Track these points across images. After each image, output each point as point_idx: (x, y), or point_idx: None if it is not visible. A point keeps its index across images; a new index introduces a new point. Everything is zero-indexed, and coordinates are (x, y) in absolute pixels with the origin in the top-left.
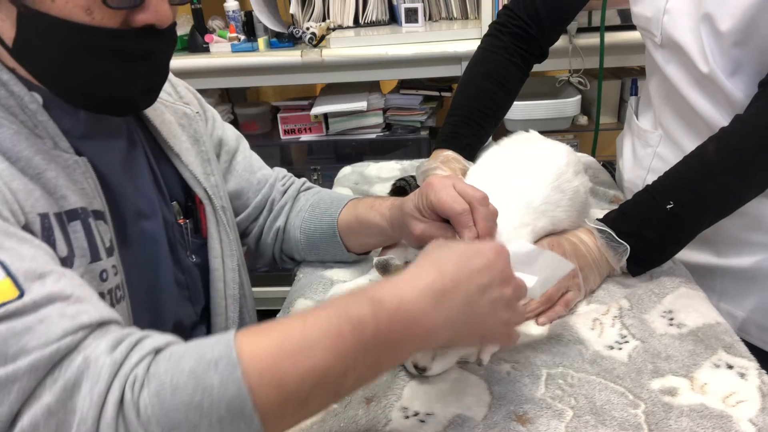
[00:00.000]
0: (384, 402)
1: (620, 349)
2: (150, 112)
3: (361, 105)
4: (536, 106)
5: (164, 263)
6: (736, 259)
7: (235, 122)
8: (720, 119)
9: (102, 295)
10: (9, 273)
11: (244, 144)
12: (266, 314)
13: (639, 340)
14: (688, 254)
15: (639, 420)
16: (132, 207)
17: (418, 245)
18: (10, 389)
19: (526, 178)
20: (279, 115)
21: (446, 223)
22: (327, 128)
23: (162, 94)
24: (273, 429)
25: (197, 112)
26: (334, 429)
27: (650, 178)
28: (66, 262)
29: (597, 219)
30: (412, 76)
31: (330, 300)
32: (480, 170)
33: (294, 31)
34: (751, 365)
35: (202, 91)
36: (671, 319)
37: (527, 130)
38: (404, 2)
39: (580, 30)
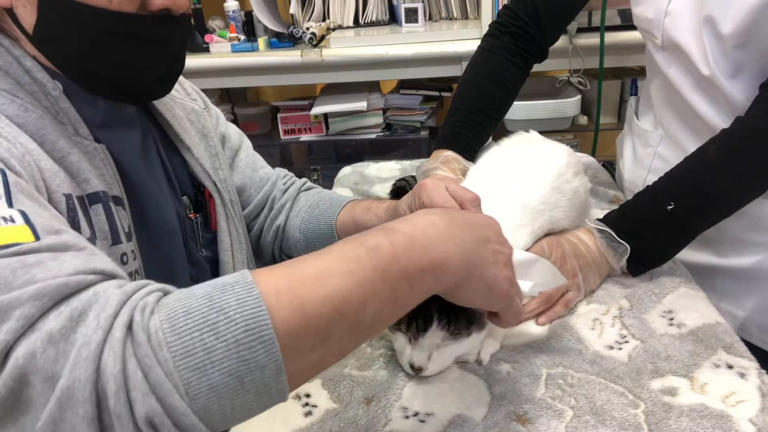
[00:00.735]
0: (384, 402)
1: (620, 349)
2: (161, 106)
3: (361, 105)
4: (536, 106)
5: (179, 255)
6: (737, 259)
7: (235, 122)
8: (720, 121)
9: None
10: (28, 221)
11: (247, 143)
12: None
13: (639, 340)
14: (689, 254)
15: (639, 420)
16: (149, 197)
17: None
18: (10, 315)
19: (526, 179)
20: (279, 115)
21: None
22: (327, 128)
23: (172, 91)
24: (293, 363)
25: (204, 108)
26: (334, 429)
27: (651, 178)
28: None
29: (597, 219)
30: (412, 76)
31: (339, 245)
32: (480, 170)
33: (294, 31)
34: (751, 365)
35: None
36: (671, 319)
37: (527, 130)
38: (404, 2)
39: (580, 30)
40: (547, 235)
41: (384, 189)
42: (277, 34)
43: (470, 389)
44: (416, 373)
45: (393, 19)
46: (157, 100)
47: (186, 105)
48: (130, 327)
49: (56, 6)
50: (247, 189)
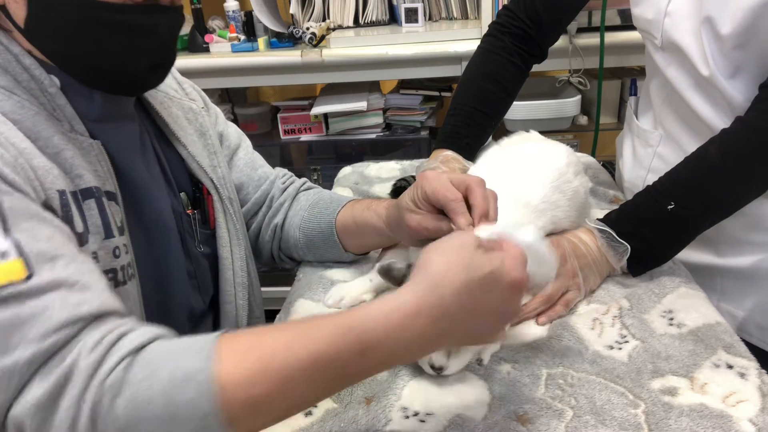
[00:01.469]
0: (384, 402)
1: (620, 349)
2: (158, 104)
3: (361, 105)
4: (536, 106)
5: (174, 251)
6: (737, 259)
7: (235, 122)
8: (720, 121)
9: (114, 271)
10: (22, 253)
11: (247, 142)
12: (266, 314)
13: (639, 340)
14: (689, 254)
15: (639, 420)
16: (144, 191)
17: (415, 240)
18: (10, 383)
19: (527, 179)
20: (279, 115)
21: (441, 214)
22: (327, 128)
23: (169, 90)
24: None
25: (202, 107)
26: (334, 429)
27: (650, 178)
28: (82, 237)
29: (597, 219)
30: (412, 76)
31: (322, 321)
32: (480, 170)
33: (294, 31)
34: (751, 365)
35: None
36: (671, 319)
37: (527, 130)
38: (404, 2)
39: (580, 30)
40: (548, 235)
41: (384, 189)
42: (277, 34)
43: (470, 389)
44: (437, 372)
45: (393, 19)
46: (155, 99)
47: (184, 104)
48: (96, 412)
49: None
50: (245, 187)
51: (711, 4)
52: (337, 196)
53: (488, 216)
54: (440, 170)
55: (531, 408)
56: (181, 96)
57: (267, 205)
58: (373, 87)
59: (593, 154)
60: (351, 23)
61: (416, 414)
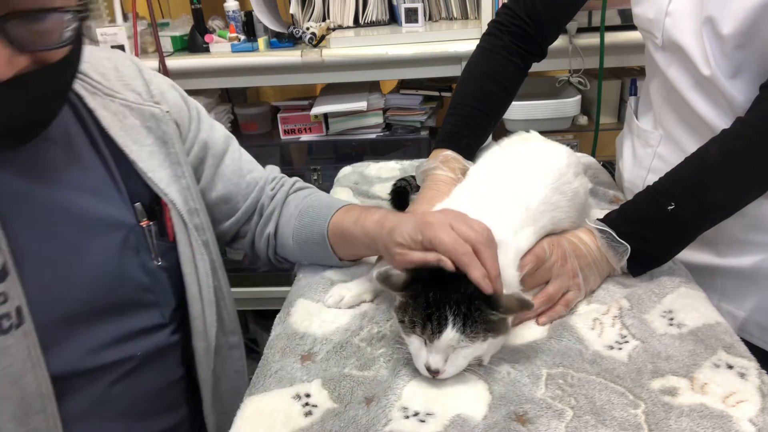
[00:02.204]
0: (384, 402)
1: (620, 349)
2: (108, 118)
3: (361, 105)
4: (536, 106)
5: (123, 264)
6: (737, 259)
7: (235, 122)
8: (720, 121)
9: None
10: None
11: (234, 145)
12: (266, 314)
13: (639, 340)
14: (689, 254)
15: (639, 420)
16: (59, 215)
17: (397, 267)
18: None
19: (527, 180)
20: (279, 115)
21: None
22: (327, 128)
23: (129, 95)
24: None
25: (168, 111)
26: (334, 429)
27: (650, 179)
28: None
29: (597, 219)
30: (412, 76)
31: None
32: (480, 170)
33: (294, 31)
34: (751, 365)
35: (202, 91)
36: (671, 319)
37: (527, 130)
38: (404, 2)
39: (580, 30)
40: (548, 235)
41: (384, 189)
42: (277, 34)
43: (470, 389)
44: (433, 376)
45: (393, 19)
46: (108, 109)
47: (145, 111)
48: None
49: None
50: (234, 197)
51: (712, 4)
52: (328, 201)
53: (498, 276)
54: (440, 171)
55: (531, 408)
56: (144, 100)
57: (258, 214)
58: (373, 87)
59: (593, 154)
60: (351, 23)
61: (416, 414)
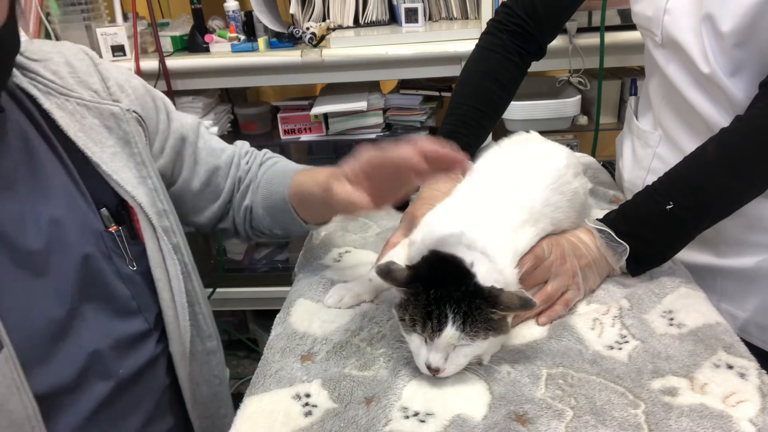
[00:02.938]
0: (384, 402)
1: (620, 349)
2: (65, 119)
3: (361, 105)
4: (536, 106)
5: (95, 273)
6: (737, 260)
7: (235, 122)
8: (720, 119)
9: None
10: None
11: (202, 128)
12: (266, 314)
13: (639, 340)
14: (689, 254)
15: (639, 420)
16: (24, 227)
17: (341, 207)
18: None
19: (527, 180)
20: (279, 115)
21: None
22: (327, 128)
23: (85, 93)
24: None
25: (128, 109)
26: (334, 429)
27: (650, 179)
28: None
29: (597, 219)
30: (412, 76)
31: None
32: (480, 171)
33: (294, 31)
34: (751, 365)
35: (202, 91)
36: (671, 319)
37: (527, 130)
38: (404, 2)
39: (580, 30)
40: (548, 235)
41: None
42: (277, 34)
43: (470, 389)
44: (433, 374)
45: (393, 19)
46: (64, 109)
47: (104, 110)
48: None
49: None
50: (215, 179)
51: (711, 2)
52: (289, 168)
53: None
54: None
55: (531, 408)
56: (101, 98)
57: (236, 189)
58: (373, 87)
59: (593, 154)
60: (351, 23)
61: (416, 414)
